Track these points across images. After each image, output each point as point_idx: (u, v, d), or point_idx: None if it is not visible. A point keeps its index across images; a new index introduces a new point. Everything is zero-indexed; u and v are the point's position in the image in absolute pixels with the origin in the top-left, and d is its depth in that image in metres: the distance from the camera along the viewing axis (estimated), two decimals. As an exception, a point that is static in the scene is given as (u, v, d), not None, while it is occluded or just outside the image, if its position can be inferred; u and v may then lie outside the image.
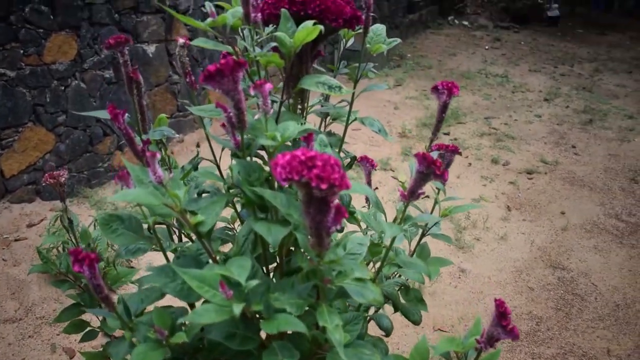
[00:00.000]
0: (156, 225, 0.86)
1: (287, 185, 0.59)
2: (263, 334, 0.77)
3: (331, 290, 0.74)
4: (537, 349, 2.25)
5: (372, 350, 0.74)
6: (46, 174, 1.11)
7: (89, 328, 1.15)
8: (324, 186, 0.53)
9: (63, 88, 3.09)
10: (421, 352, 0.86)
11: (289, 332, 0.77)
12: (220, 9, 0.91)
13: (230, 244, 0.93)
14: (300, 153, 0.55)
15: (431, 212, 1.12)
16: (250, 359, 0.78)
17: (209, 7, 0.87)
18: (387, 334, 1.06)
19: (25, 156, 2.97)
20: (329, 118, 1.09)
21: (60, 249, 2.26)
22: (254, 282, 0.67)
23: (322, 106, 1.05)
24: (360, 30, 0.96)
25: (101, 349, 1.01)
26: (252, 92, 0.69)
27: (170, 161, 1.07)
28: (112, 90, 3.40)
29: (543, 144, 4.52)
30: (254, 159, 0.84)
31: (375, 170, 1.09)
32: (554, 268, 2.81)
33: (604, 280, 2.73)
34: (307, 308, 0.71)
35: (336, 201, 0.58)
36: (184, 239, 1.03)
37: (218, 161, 0.99)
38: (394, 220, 0.86)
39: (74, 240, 1.17)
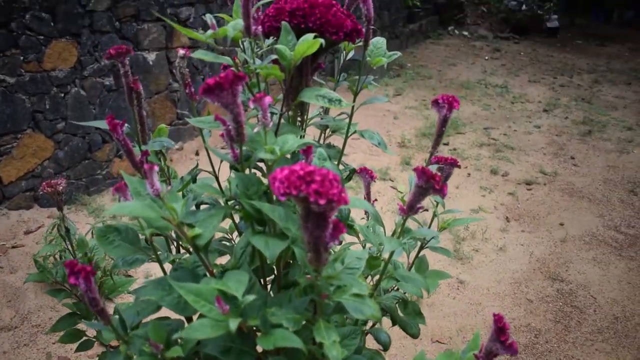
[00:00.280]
0: (154, 236, 0.86)
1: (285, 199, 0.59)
2: (259, 348, 0.76)
3: (329, 306, 0.73)
4: (536, 362, 2.23)
5: (370, 366, 0.74)
6: (44, 183, 1.10)
7: (84, 338, 1.15)
8: (322, 201, 0.53)
9: (62, 95, 3.09)
10: (419, 366, 0.86)
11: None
12: (221, 19, 0.91)
13: (227, 255, 0.93)
14: (298, 168, 0.54)
15: (430, 225, 1.12)
16: (247, 373, 0.77)
17: (209, 19, 0.87)
18: (385, 349, 1.06)
19: (23, 163, 2.96)
20: (328, 130, 1.09)
21: (57, 257, 2.26)
22: (251, 297, 0.66)
23: (321, 118, 1.05)
24: (361, 43, 0.96)
25: (97, 359, 1.00)
26: (251, 106, 0.69)
27: (169, 171, 1.07)
28: (112, 97, 3.40)
29: (542, 155, 4.53)
30: (253, 170, 0.84)
31: (375, 181, 1.09)
32: (553, 280, 2.80)
33: (603, 292, 2.72)
34: (304, 322, 0.71)
35: (334, 216, 0.58)
36: (182, 250, 1.02)
37: (217, 172, 0.99)
38: (393, 234, 0.86)
39: (70, 249, 1.17)
